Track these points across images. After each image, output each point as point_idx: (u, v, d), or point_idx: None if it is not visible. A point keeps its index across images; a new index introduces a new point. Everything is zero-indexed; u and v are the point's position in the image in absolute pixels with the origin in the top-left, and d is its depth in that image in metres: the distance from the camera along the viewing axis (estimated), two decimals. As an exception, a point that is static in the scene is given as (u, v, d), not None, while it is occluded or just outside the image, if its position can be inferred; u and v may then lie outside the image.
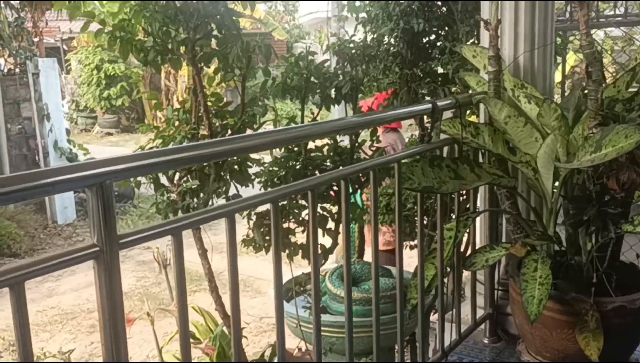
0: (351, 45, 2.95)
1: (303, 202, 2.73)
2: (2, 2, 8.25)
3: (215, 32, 2.24)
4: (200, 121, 2.40)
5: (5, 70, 8.65)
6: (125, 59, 2.54)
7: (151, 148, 2.44)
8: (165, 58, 2.28)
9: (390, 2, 3.22)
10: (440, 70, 3.46)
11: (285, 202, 2.67)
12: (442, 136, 2.34)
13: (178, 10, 2.12)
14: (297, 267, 3.43)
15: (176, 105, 18.85)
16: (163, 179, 2.39)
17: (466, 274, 2.79)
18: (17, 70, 8.67)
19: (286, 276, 4.08)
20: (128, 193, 9.40)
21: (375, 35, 3.51)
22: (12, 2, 8.66)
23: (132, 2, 2.12)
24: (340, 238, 2.88)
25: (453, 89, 3.47)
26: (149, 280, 6.42)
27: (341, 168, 2.68)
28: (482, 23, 2.50)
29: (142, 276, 6.47)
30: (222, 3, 2.20)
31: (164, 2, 2.10)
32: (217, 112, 2.44)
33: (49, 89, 8.62)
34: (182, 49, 2.25)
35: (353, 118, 2.02)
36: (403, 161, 2.05)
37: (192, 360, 3.27)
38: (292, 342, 4.24)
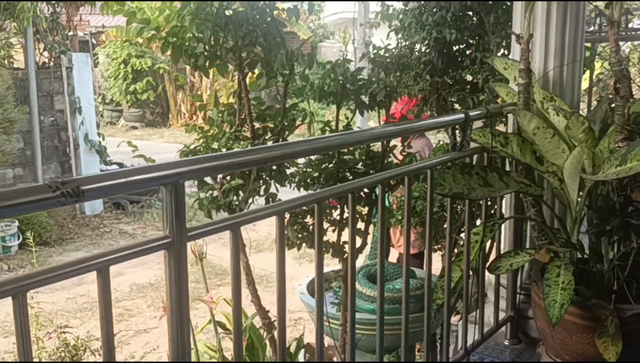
0: (386, 54, 3.07)
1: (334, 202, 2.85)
2: (39, -3, 8.49)
3: (260, 40, 2.38)
4: (243, 123, 2.54)
5: (40, 63, 8.90)
6: (176, 63, 2.68)
7: (196, 146, 2.59)
8: (213, 63, 2.42)
9: (423, 11, 3.32)
10: (469, 79, 3.56)
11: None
12: (472, 145, 2.44)
13: (228, 19, 2.26)
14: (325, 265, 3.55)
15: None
16: (206, 177, 2.53)
17: (489, 278, 2.89)
18: (51, 63, 8.92)
19: (310, 274, 4.21)
20: (155, 188, 9.59)
21: (406, 43, 3.63)
22: (49, -3, 8.91)
23: (187, 10, 2.25)
24: (369, 238, 3.00)
25: (481, 98, 3.57)
26: (174, 272, 6.58)
27: (372, 172, 2.80)
28: (514, 37, 2.60)
29: (168, 269, 6.64)
30: (269, 13, 2.33)
31: (215, 10, 2.23)
32: (258, 115, 2.58)
33: (81, 83, 8.85)
34: (230, 55, 2.39)
35: (388, 127, 2.13)
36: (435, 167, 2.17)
37: (224, 349, 3.41)
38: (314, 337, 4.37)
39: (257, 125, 2.56)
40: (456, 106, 3.62)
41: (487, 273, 2.78)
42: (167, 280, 1.26)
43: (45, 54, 8.95)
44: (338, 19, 21.93)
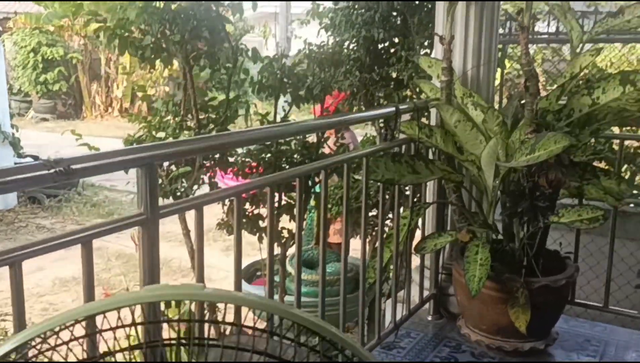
0: (321, 50, 3.25)
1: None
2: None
3: (205, 34, 2.49)
4: (187, 113, 2.64)
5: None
6: (123, 54, 2.74)
7: (140, 136, 2.65)
8: (159, 56, 2.50)
9: (353, 11, 3.53)
10: (394, 75, 3.80)
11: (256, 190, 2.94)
12: (401, 136, 2.67)
13: (176, 14, 2.35)
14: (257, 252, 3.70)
15: (116, 92, 18.56)
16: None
17: (413, 261, 3.15)
18: (-40, 51, 8.47)
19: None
20: (73, 181, 9.35)
21: (336, 40, 3.83)
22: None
23: (138, 4, 2.32)
24: (303, 224, 3.16)
25: (404, 93, 3.83)
26: (98, 265, 6.48)
27: (307, 161, 2.98)
28: (437, 37, 2.85)
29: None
30: (214, 10, 2.44)
31: (162, 5, 2.32)
32: (201, 106, 2.68)
33: (-7, 72, 8.47)
34: (176, 47, 2.48)
35: (324, 119, 2.30)
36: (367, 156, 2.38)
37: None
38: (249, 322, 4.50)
39: (201, 116, 2.67)
40: (382, 101, 3.86)
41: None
42: (141, 253, 1.38)
43: (-47, 40, 8.48)
44: (258, 13, 21.85)
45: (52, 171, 1.11)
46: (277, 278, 3.33)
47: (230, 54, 2.47)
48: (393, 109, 2.46)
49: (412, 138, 2.65)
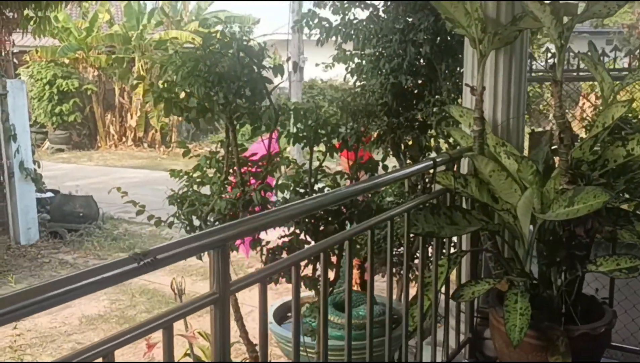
0: (353, 101, 3.33)
1: (307, 237, 3.06)
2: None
3: (247, 94, 2.56)
4: (229, 168, 2.71)
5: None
6: (168, 116, 2.82)
7: (184, 192, 2.73)
8: (204, 116, 2.58)
9: (380, 57, 3.61)
10: (420, 118, 3.87)
11: (291, 237, 3.00)
12: (436, 186, 2.72)
13: (220, 76, 2.44)
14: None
15: (130, 121, 18.66)
16: (196, 222, 2.69)
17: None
18: (-17, 90, 8.65)
19: (271, 302, 4.37)
20: (93, 215, 9.45)
21: (361, 84, 3.91)
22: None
23: (182, 69, 2.41)
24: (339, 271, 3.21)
25: (429, 134, 3.89)
26: (123, 302, 6.55)
27: (342, 209, 3.03)
28: (468, 88, 2.92)
29: (116, 299, 6.60)
30: (257, 71, 2.52)
31: (207, 68, 2.41)
32: (242, 161, 2.75)
33: (16, 110, 8.64)
34: (220, 108, 2.56)
35: (361, 185, 2.33)
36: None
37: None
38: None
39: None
40: (408, 142, 3.92)
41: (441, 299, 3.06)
42: (213, 329, 1.43)
43: (-24, 80, 8.67)
44: (268, 40, 22.18)
45: (141, 263, 1.17)
46: (313, 323, 3.37)
47: (273, 114, 2.54)
48: (431, 162, 2.52)
49: (449, 188, 2.70)
